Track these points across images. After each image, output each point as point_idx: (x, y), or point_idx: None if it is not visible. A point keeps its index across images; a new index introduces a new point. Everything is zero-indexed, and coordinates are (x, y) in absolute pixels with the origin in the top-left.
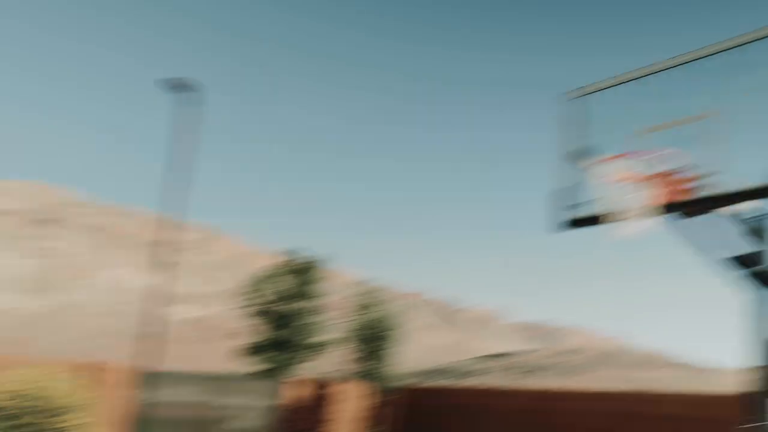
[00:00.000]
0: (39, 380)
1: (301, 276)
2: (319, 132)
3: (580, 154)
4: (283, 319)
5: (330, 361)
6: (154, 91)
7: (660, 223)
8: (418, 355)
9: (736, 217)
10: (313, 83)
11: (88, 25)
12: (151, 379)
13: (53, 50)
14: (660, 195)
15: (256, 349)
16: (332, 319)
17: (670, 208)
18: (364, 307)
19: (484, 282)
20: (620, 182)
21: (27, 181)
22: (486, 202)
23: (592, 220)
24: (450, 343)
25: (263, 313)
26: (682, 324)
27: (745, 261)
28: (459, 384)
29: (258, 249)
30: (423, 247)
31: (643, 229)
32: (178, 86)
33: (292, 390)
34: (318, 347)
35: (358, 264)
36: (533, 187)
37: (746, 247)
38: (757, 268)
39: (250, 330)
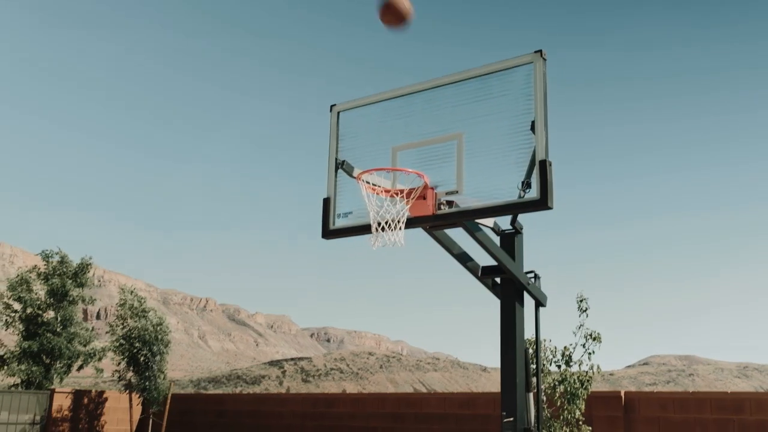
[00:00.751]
0: None
1: (63, 280)
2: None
3: (345, 165)
4: (41, 327)
5: (98, 371)
6: None
7: (420, 233)
8: (209, 360)
9: (490, 229)
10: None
11: None
12: None
13: None
14: (413, 209)
15: (14, 360)
16: (101, 326)
17: (422, 221)
18: (134, 314)
19: (274, 289)
20: (379, 195)
21: None
22: (278, 210)
23: (354, 230)
24: (240, 348)
25: (19, 321)
26: (464, 327)
27: (495, 271)
28: (248, 390)
29: (21, 250)
30: (213, 253)
31: (400, 240)
32: None
33: (56, 402)
34: (84, 357)
35: (139, 270)
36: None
37: (498, 257)
38: (506, 277)
39: (6, 339)
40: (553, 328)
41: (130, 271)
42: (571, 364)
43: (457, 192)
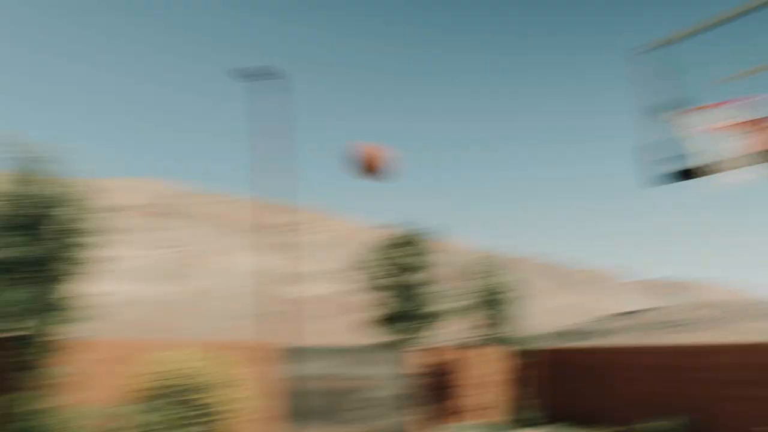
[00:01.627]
0: (190, 360)
1: (414, 247)
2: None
3: (662, 108)
4: (403, 291)
5: (454, 329)
6: (238, 79)
7: (759, 171)
8: (539, 318)
9: None
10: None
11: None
12: (295, 354)
13: (133, 42)
14: (756, 143)
15: (382, 321)
16: (451, 287)
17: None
18: (484, 272)
19: (597, 242)
20: (712, 132)
21: (141, 178)
22: (595, 161)
23: (685, 174)
24: (569, 304)
25: (383, 287)
26: None
27: None
28: (589, 344)
29: (367, 226)
30: (532, 211)
31: (741, 180)
32: (256, 74)
33: (422, 358)
34: (441, 315)
35: (470, 232)
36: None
37: None
38: None
39: (371, 304)
40: None
41: (462, 234)
42: None
43: None
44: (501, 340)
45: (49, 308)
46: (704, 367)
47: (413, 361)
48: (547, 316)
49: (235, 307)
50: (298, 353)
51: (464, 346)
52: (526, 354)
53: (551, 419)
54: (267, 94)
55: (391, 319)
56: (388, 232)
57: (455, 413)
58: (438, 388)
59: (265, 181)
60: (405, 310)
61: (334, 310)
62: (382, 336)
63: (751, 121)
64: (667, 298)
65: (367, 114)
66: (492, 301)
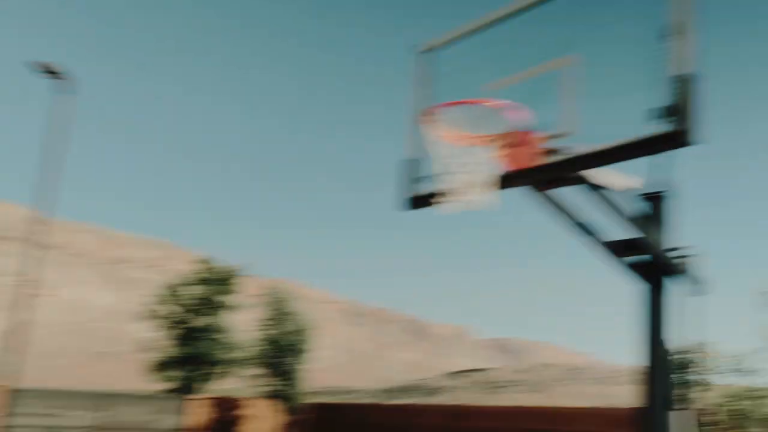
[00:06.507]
0: None
1: (216, 286)
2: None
3: (425, 115)
4: (192, 333)
5: (240, 378)
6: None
7: (515, 193)
8: (387, 371)
9: (624, 195)
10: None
11: None
12: (21, 397)
13: None
14: (508, 159)
15: (164, 366)
16: (244, 332)
17: (522, 175)
18: (275, 319)
19: (452, 300)
20: (456, 142)
21: None
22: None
23: (432, 197)
24: (418, 359)
25: (172, 327)
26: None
27: (629, 248)
28: (426, 401)
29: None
30: (394, 263)
31: (488, 202)
32: (49, 71)
33: (199, 408)
34: (228, 364)
35: (324, 281)
36: None
37: (632, 231)
38: (646, 257)
39: (160, 345)
40: (720, 326)
41: (316, 283)
42: (744, 375)
43: (568, 134)
44: (280, 393)
45: None
46: (466, 429)
47: (188, 410)
48: (396, 369)
49: (71, 343)
50: (24, 397)
51: (241, 399)
52: (295, 410)
53: None
54: (59, 95)
55: (172, 364)
56: (197, 265)
57: None
58: None
59: (43, 191)
60: (189, 355)
61: (132, 350)
62: (162, 381)
63: (504, 134)
64: (509, 358)
65: None
66: (279, 351)
